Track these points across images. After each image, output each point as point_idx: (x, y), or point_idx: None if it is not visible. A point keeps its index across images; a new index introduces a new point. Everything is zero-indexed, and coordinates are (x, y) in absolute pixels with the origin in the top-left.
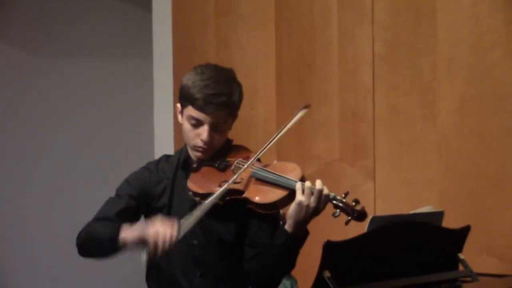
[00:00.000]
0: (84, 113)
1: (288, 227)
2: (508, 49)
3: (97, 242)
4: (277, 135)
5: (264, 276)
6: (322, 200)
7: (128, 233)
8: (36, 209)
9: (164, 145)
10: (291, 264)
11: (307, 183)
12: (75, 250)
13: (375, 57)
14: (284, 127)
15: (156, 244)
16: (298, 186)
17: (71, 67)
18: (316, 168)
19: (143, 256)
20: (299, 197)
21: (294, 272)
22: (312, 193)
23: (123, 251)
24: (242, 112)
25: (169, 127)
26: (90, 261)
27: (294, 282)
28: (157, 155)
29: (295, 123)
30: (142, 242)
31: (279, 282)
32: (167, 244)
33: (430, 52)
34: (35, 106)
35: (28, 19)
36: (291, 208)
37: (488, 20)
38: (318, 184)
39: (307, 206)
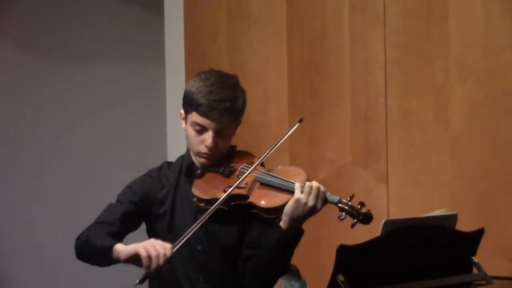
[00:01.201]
0: (96, 118)
1: (283, 223)
2: None
3: (93, 250)
4: (277, 142)
5: (258, 275)
6: (320, 199)
7: (122, 247)
8: (46, 212)
9: (176, 150)
10: (285, 263)
11: (306, 182)
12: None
13: (387, 60)
14: (284, 136)
15: (149, 260)
16: (297, 185)
17: (83, 73)
18: (328, 172)
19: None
20: (298, 194)
21: (308, 277)
22: (310, 192)
23: (116, 263)
24: (254, 116)
25: (182, 132)
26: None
27: (303, 284)
28: (170, 160)
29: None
30: (135, 259)
31: (273, 283)
32: (160, 260)
33: (442, 54)
34: (47, 111)
35: (38, 24)
36: (288, 205)
37: (500, 22)
38: (316, 183)
39: (305, 204)
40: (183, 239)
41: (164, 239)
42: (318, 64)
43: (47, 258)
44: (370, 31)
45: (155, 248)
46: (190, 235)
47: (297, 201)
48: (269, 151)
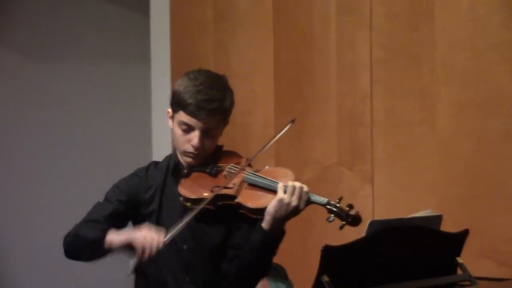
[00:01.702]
0: (82, 118)
1: (265, 223)
2: (506, 53)
3: (84, 244)
4: (269, 142)
5: (241, 276)
6: (303, 199)
7: (115, 236)
8: (33, 210)
9: (162, 150)
10: (267, 264)
11: (290, 182)
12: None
13: (373, 62)
14: (276, 136)
15: (143, 249)
16: (280, 185)
17: (68, 72)
18: (314, 173)
19: (131, 264)
20: (280, 194)
21: (291, 277)
22: (293, 192)
23: (108, 255)
24: (240, 117)
25: (167, 132)
26: (81, 265)
27: (290, 286)
28: (156, 159)
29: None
30: (128, 247)
31: (255, 283)
32: (154, 249)
33: (428, 56)
34: (31, 110)
35: (25, 24)
36: (271, 205)
37: (486, 24)
38: (299, 183)
39: (288, 204)
40: (176, 231)
41: (141, 265)
42: (304, 65)
43: (32, 258)
44: (357, 32)
45: (149, 236)
46: (182, 230)
47: (280, 201)
48: (260, 151)
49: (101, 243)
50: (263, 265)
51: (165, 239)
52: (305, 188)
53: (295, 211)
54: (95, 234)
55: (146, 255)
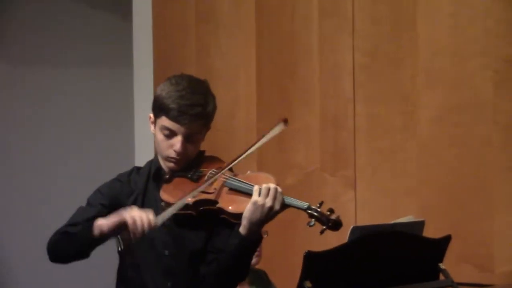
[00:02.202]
0: (64, 121)
1: (242, 228)
2: (488, 59)
3: (71, 238)
4: (251, 146)
5: (218, 280)
6: (277, 200)
7: (103, 220)
8: (15, 213)
9: (144, 154)
10: (244, 268)
11: (263, 184)
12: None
13: (356, 66)
14: (259, 141)
15: (135, 224)
16: (255, 187)
17: (50, 76)
18: (296, 178)
19: (118, 244)
20: (255, 197)
21: (276, 283)
22: (267, 194)
23: (97, 243)
24: (222, 121)
25: (150, 135)
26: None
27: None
28: (138, 164)
29: (271, 138)
30: (119, 227)
31: (233, 287)
32: (146, 224)
33: (410, 62)
34: (12, 114)
35: (7, 30)
36: (247, 209)
37: (468, 30)
38: (274, 185)
39: (262, 205)
40: (168, 213)
41: (133, 244)
42: (287, 69)
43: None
44: (339, 36)
45: (140, 214)
46: (172, 212)
47: (255, 203)
48: (246, 152)
49: (90, 231)
50: (240, 269)
51: (157, 221)
52: (279, 189)
53: (270, 213)
54: (82, 227)
55: (139, 230)
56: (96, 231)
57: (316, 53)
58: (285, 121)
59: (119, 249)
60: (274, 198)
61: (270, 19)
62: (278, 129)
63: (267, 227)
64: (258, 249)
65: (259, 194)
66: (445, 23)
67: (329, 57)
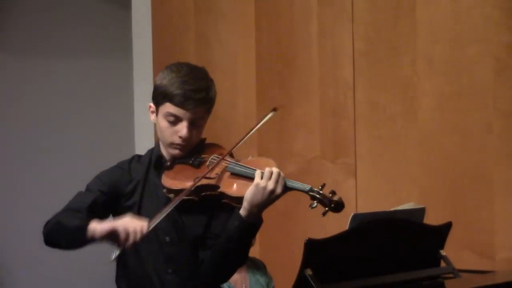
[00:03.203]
0: (64, 112)
1: (242, 210)
2: (487, 45)
3: (65, 232)
4: (249, 132)
5: (216, 264)
6: (279, 183)
7: (97, 225)
8: (15, 207)
9: (144, 143)
10: (243, 252)
11: (266, 168)
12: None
13: (355, 54)
14: (256, 125)
15: (126, 235)
16: (258, 171)
17: (50, 67)
18: (297, 166)
19: (114, 253)
20: (257, 179)
21: (272, 271)
22: (270, 177)
23: (89, 243)
24: (222, 109)
25: (149, 125)
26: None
27: (270, 280)
28: (138, 153)
29: (265, 122)
30: (111, 234)
31: (230, 273)
32: (137, 235)
33: (410, 48)
34: (11, 105)
35: (4, 19)
36: (248, 191)
37: (467, 17)
38: (276, 168)
39: (264, 188)
40: (159, 218)
41: (124, 252)
42: (286, 57)
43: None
44: (338, 25)
45: (132, 224)
46: (164, 219)
47: (257, 186)
48: (242, 140)
49: (83, 232)
50: (239, 253)
51: (149, 226)
52: (282, 173)
53: (272, 196)
54: (77, 222)
55: (130, 241)
56: (89, 234)
57: (315, 41)
58: (275, 109)
59: (112, 257)
60: (276, 182)
61: (269, 7)
62: (270, 115)
63: (265, 215)
64: None
65: (262, 177)
66: (444, 10)
67: (328, 44)
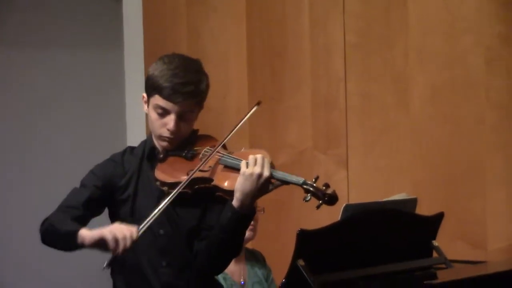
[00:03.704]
0: (54, 104)
1: (235, 201)
2: (479, 36)
3: (57, 235)
4: (236, 127)
5: (211, 255)
6: (265, 166)
7: (87, 233)
8: (8, 202)
9: (136, 136)
10: (237, 243)
11: (250, 156)
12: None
13: (347, 46)
14: (242, 119)
15: (116, 243)
16: (243, 162)
17: (40, 59)
18: (289, 157)
19: (106, 261)
20: (243, 169)
21: (269, 262)
22: (255, 163)
23: (81, 248)
24: (214, 101)
25: (141, 117)
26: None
27: (269, 272)
28: (130, 144)
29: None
30: (100, 244)
31: (225, 264)
32: (128, 242)
33: (401, 40)
34: (4, 98)
35: None
36: (237, 181)
37: (459, 8)
38: (260, 155)
39: (251, 174)
40: (149, 221)
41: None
42: (278, 49)
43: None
44: (330, 16)
45: (121, 231)
46: (156, 217)
47: (243, 174)
48: (229, 134)
49: (73, 238)
50: (233, 243)
51: (140, 229)
52: (267, 157)
53: (260, 181)
54: (68, 227)
55: (120, 248)
56: (79, 240)
57: (307, 33)
58: (258, 103)
59: (104, 265)
60: (262, 166)
61: (261, 0)
62: (254, 109)
63: (263, 204)
64: (253, 224)
65: (247, 166)
66: (436, 1)
67: (319, 36)
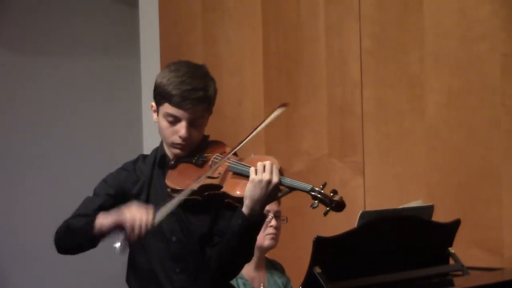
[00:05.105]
0: (71, 111)
1: (245, 208)
2: (495, 42)
3: (74, 233)
4: (254, 130)
5: (222, 262)
6: (274, 173)
7: (104, 218)
8: (22, 207)
9: (152, 143)
10: (248, 249)
11: (258, 163)
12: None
13: (363, 52)
14: (262, 123)
15: (132, 228)
16: (252, 168)
17: (57, 66)
18: (304, 164)
19: (118, 244)
20: (252, 176)
21: (288, 270)
22: (263, 170)
23: (100, 239)
24: (229, 107)
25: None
26: (75, 262)
27: (288, 281)
28: (146, 153)
29: (272, 121)
30: (118, 227)
31: (237, 270)
32: (143, 228)
33: (417, 45)
34: (21, 105)
35: (11, 18)
36: (247, 188)
37: (475, 13)
38: (269, 161)
39: (260, 181)
40: (165, 211)
41: (130, 244)
42: (293, 56)
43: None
44: (345, 22)
45: (138, 214)
46: (173, 207)
47: (252, 181)
48: (248, 137)
49: (91, 228)
50: (244, 250)
51: (154, 220)
52: (275, 164)
53: (269, 187)
54: (84, 220)
55: (136, 233)
56: (96, 228)
57: (322, 39)
58: (284, 105)
59: (116, 246)
60: (270, 172)
61: (276, 6)
62: (278, 112)
63: (285, 213)
64: (275, 232)
65: (256, 173)
66: (451, 6)
67: (335, 42)
